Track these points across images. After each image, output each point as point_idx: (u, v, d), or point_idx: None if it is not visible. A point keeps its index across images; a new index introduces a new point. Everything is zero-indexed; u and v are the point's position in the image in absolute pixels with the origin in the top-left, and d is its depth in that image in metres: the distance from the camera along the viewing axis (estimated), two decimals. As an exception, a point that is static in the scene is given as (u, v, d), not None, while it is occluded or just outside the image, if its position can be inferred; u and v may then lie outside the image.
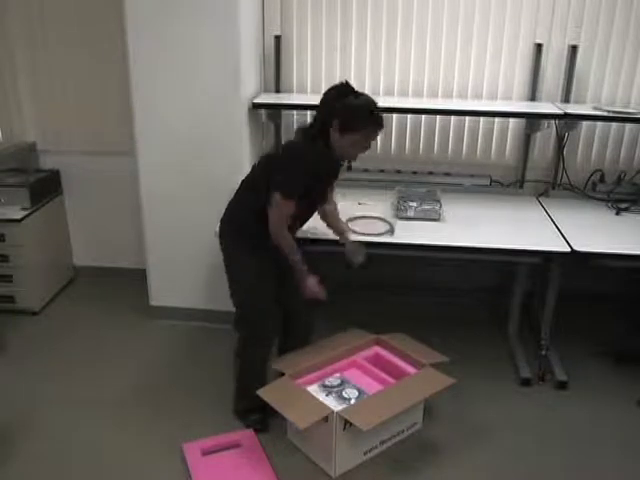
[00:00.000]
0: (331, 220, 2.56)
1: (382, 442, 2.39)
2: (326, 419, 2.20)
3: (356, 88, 3.27)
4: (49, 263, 3.56)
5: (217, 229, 2.45)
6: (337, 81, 3.23)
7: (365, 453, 2.35)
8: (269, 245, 2.30)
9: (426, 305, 3.49)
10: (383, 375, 2.52)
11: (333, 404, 2.30)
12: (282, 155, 2.38)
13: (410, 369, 2.52)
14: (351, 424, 2.17)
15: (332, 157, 2.29)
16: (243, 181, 2.43)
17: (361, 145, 2.26)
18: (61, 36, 3.35)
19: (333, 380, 2.46)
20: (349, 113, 2.19)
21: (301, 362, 2.48)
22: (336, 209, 2.58)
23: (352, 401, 2.34)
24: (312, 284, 2.34)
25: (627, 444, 2.48)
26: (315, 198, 2.39)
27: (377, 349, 2.70)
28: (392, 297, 3.44)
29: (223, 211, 2.44)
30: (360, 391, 2.40)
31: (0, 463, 2.31)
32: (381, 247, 2.66)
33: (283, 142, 2.36)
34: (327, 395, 2.38)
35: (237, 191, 2.43)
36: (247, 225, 2.35)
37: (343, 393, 2.38)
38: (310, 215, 2.46)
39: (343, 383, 2.45)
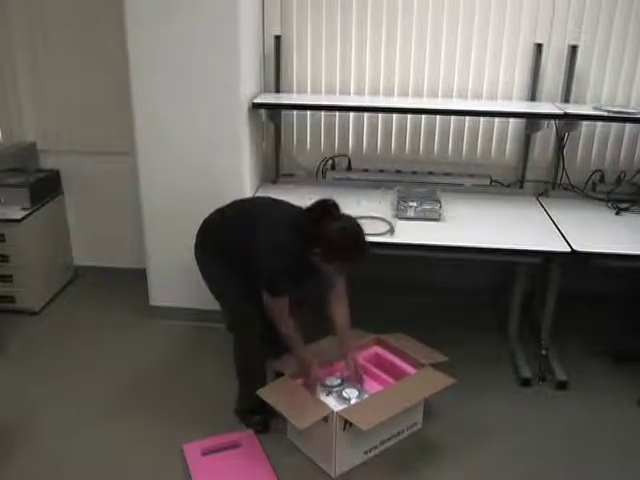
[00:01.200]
0: (337, 320, 2.45)
1: (382, 442, 2.39)
2: (326, 419, 2.20)
3: (357, 88, 3.33)
4: (49, 263, 3.56)
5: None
6: (337, 82, 3.33)
7: (365, 453, 2.35)
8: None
9: (426, 305, 3.48)
10: (383, 375, 2.52)
11: (333, 404, 2.30)
12: (266, 249, 2.21)
13: (410, 369, 2.52)
14: (351, 424, 2.17)
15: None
16: (232, 218, 2.40)
17: (343, 270, 2.22)
18: (61, 36, 3.36)
19: (333, 380, 2.46)
20: (328, 247, 2.11)
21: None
22: (343, 305, 2.45)
23: (352, 401, 2.34)
24: (316, 376, 2.37)
25: (627, 444, 2.48)
26: (307, 283, 2.33)
27: (377, 349, 2.70)
28: (392, 297, 3.44)
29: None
30: (360, 391, 2.40)
31: (0, 463, 2.31)
32: (381, 247, 2.66)
33: (270, 230, 2.27)
34: (327, 395, 2.38)
35: (218, 218, 2.43)
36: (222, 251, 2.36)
37: (343, 393, 2.38)
38: (306, 293, 2.39)
39: (343, 383, 2.45)
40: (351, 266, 2.18)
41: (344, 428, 2.22)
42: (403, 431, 2.46)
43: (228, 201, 2.51)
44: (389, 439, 2.41)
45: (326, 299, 2.44)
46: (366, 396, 2.37)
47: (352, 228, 2.15)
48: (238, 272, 2.34)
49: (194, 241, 2.48)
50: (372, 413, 2.21)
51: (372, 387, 2.46)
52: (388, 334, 2.71)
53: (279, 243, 2.19)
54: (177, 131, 2.97)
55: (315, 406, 2.24)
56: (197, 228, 2.51)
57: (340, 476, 2.27)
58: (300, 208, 2.29)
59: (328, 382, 2.44)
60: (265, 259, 2.20)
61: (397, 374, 2.50)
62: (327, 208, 2.17)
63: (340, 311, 2.45)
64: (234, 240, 2.34)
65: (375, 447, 2.37)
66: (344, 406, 2.28)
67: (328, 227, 2.12)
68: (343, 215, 2.19)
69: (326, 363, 2.53)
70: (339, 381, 2.46)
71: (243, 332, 2.44)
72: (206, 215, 2.50)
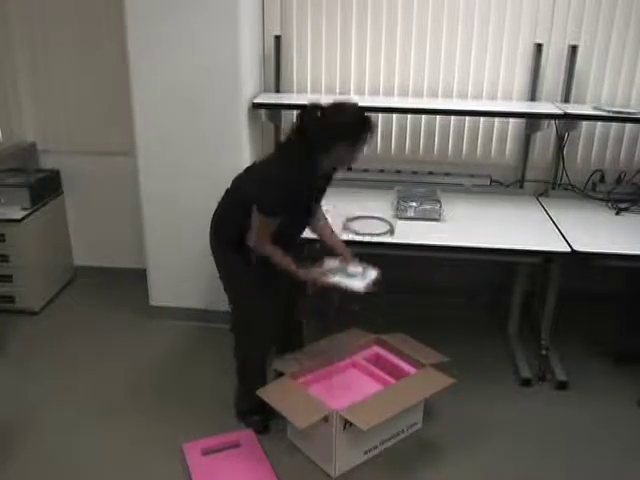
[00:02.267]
0: (326, 237, 2.47)
1: (382, 442, 2.39)
2: (326, 419, 2.20)
3: (357, 88, 3.32)
4: (49, 263, 3.56)
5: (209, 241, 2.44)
6: (337, 82, 3.33)
7: (365, 453, 2.35)
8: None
9: (426, 305, 3.48)
10: (383, 375, 2.52)
11: (344, 282, 2.25)
12: (264, 175, 2.26)
13: (410, 369, 2.52)
14: (351, 424, 2.17)
15: (316, 174, 2.24)
16: (228, 192, 2.39)
17: (356, 153, 2.23)
18: (61, 36, 3.35)
19: (331, 262, 2.36)
20: (342, 124, 2.13)
21: (301, 362, 2.48)
22: (327, 224, 2.50)
23: (358, 276, 2.29)
24: (314, 275, 2.28)
25: (627, 444, 2.48)
26: (301, 215, 2.34)
27: (377, 349, 2.70)
28: (392, 297, 3.44)
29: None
30: (364, 268, 2.33)
31: (0, 463, 2.31)
32: (381, 247, 2.66)
33: (264, 157, 2.29)
34: (334, 276, 2.30)
35: (222, 203, 2.39)
36: (236, 241, 2.30)
37: (348, 271, 2.32)
38: (300, 233, 2.41)
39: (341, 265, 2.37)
40: (364, 143, 2.21)
41: (344, 428, 2.22)
42: (403, 431, 2.46)
43: (214, 212, 2.50)
44: (389, 439, 2.41)
45: (315, 233, 2.47)
46: (371, 272, 2.33)
47: (356, 107, 2.21)
48: (253, 265, 2.32)
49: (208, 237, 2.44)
50: (372, 413, 2.21)
51: (372, 387, 2.46)
52: (388, 334, 2.71)
53: (279, 171, 2.19)
54: (177, 131, 2.97)
55: (315, 406, 2.24)
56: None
57: (340, 476, 2.28)
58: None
59: (326, 266, 2.35)
60: (264, 183, 2.20)
61: (397, 374, 2.50)
62: (316, 106, 2.17)
63: (325, 229, 2.47)
64: (235, 207, 2.30)
65: (375, 447, 2.38)
66: (353, 282, 2.25)
67: (336, 112, 2.14)
68: (329, 103, 2.19)
69: (327, 362, 2.54)
70: (337, 263, 2.37)
71: (255, 332, 2.42)
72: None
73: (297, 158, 2.18)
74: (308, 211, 2.37)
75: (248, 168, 2.41)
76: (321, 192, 2.40)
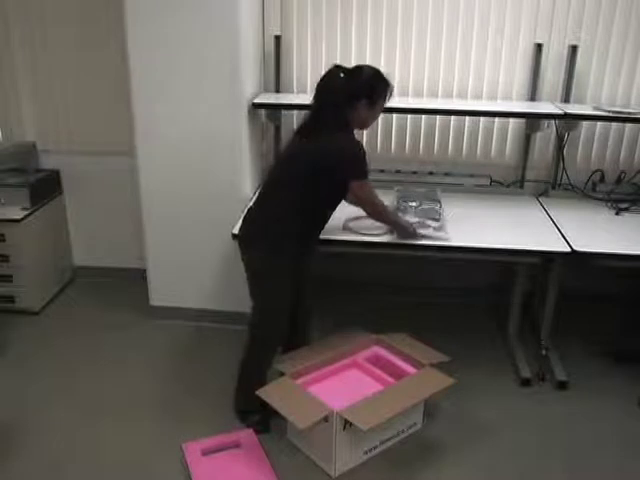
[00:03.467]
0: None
1: (382, 442, 2.39)
2: (326, 419, 2.20)
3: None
4: (49, 263, 3.56)
5: (239, 233, 2.42)
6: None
7: (365, 453, 2.35)
8: (311, 247, 2.40)
9: (426, 305, 3.48)
10: (383, 375, 2.52)
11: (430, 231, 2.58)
12: (345, 151, 2.27)
13: (410, 369, 2.52)
14: (351, 424, 2.17)
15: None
16: (273, 181, 2.39)
17: (381, 110, 2.38)
18: (61, 36, 3.35)
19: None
20: (372, 86, 2.28)
21: (301, 362, 2.48)
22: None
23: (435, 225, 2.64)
24: (411, 229, 2.55)
25: (627, 444, 2.48)
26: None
27: (377, 349, 2.70)
28: (392, 297, 3.44)
29: (246, 215, 2.43)
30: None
31: (0, 463, 2.31)
32: (381, 247, 2.66)
33: (324, 140, 2.27)
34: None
35: (268, 192, 2.38)
36: (292, 227, 2.30)
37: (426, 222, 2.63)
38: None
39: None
40: (387, 98, 2.37)
41: (344, 428, 2.22)
42: (403, 431, 2.46)
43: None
44: (389, 439, 2.41)
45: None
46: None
47: (372, 66, 2.36)
48: (284, 263, 2.32)
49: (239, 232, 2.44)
50: (372, 413, 2.21)
51: (372, 387, 2.46)
52: (388, 334, 2.71)
53: (352, 142, 2.28)
54: (177, 131, 2.97)
55: (315, 406, 2.24)
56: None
57: (340, 476, 2.28)
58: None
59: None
60: (351, 157, 2.27)
61: (397, 374, 2.50)
62: (343, 70, 2.29)
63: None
64: (298, 194, 2.30)
65: (375, 447, 2.38)
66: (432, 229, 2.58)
67: (359, 76, 2.29)
68: (343, 66, 2.31)
69: (330, 358, 2.54)
70: (416, 219, 2.67)
71: (271, 333, 2.44)
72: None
73: (341, 125, 2.27)
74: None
75: (290, 155, 2.40)
76: None
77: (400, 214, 2.75)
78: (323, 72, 2.32)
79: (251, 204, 2.48)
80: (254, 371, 2.48)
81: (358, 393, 2.36)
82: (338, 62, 2.34)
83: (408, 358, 2.56)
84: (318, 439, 2.28)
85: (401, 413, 2.29)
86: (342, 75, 2.27)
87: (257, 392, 2.31)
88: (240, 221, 2.48)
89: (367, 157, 2.28)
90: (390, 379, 2.48)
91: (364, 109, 2.29)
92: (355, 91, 2.25)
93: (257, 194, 2.46)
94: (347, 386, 2.48)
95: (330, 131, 2.25)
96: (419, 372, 2.47)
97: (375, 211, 2.44)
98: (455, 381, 2.39)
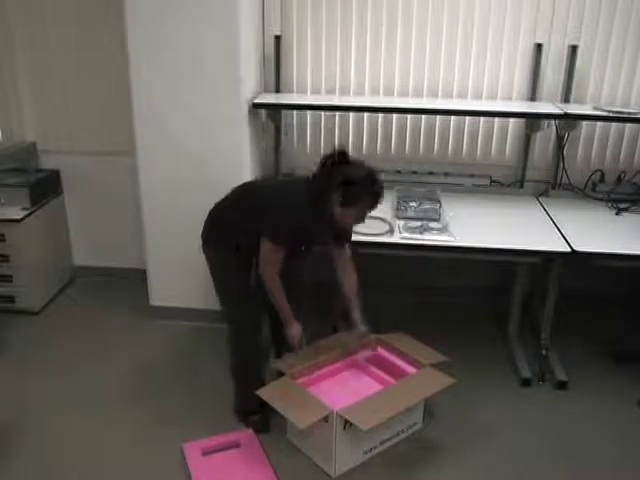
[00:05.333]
0: (340, 276, 2.50)
1: (382, 442, 2.39)
2: (326, 419, 2.20)
3: (357, 88, 3.32)
4: (49, 263, 3.56)
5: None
6: (337, 82, 3.33)
7: (365, 453, 2.35)
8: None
9: (426, 305, 3.48)
10: (383, 375, 2.52)
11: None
12: (279, 205, 2.26)
13: (410, 369, 2.52)
14: (351, 424, 2.17)
15: (329, 222, 2.25)
16: (237, 196, 2.43)
17: (360, 217, 2.25)
18: (61, 36, 3.35)
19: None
20: (348, 188, 2.15)
21: (301, 362, 2.48)
22: (347, 264, 2.49)
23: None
24: (294, 333, 2.40)
25: (627, 444, 2.48)
26: (305, 247, 2.41)
27: (377, 349, 2.69)
28: (392, 297, 3.44)
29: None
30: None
31: (0, 463, 2.31)
32: (381, 247, 2.66)
33: (284, 186, 2.40)
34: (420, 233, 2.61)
35: (229, 204, 2.43)
36: (232, 245, 2.37)
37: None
38: (299, 256, 2.44)
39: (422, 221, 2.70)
40: (368, 209, 2.22)
41: (344, 428, 2.22)
42: (403, 431, 2.46)
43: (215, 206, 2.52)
44: (389, 439, 2.41)
45: (334, 266, 2.49)
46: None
47: (368, 170, 2.21)
48: (244, 260, 2.36)
49: (201, 231, 2.48)
50: (372, 413, 2.20)
51: (372, 387, 2.46)
52: (388, 334, 2.71)
53: (294, 206, 2.22)
54: (177, 131, 2.97)
55: (315, 406, 2.24)
56: (197, 228, 2.51)
57: (340, 476, 2.28)
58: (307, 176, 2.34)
59: (410, 225, 2.73)
60: (274, 214, 2.23)
61: (397, 374, 2.50)
62: (340, 156, 2.21)
63: (349, 284, 2.49)
64: (242, 217, 2.35)
65: (375, 447, 2.38)
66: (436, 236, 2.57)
67: (345, 171, 2.18)
68: (357, 161, 2.25)
69: (330, 357, 2.55)
70: (419, 223, 2.70)
71: (243, 326, 2.44)
72: (206, 214, 2.50)
73: (313, 198, 2.21)
74: (310, 248, 2.43)
75: (264, 181, 2.45)
76: (339, 235, 2.40)
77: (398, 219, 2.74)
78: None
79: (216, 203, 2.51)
80: (243, 367, 2.50)
81: (358, 393, 2.37)
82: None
83: (408, 358, 2.56)
84: (318, 439, 2.28)
85: (401, 413, 2.29)
86: (330, 161, 2.21)
87: (257, 392, 2.31)
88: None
89: (295, 234, 2.22)
90: (390, 379, 2.48)
91: (336, 206, 2.18)
92: (330, 184, 2.17)
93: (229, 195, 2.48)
94: (347, 386, 2.47)
95: (300, 190, 2.25)
96: (419, 372, 2.47)
97: (264, 273, 2.29)
98: (455, 381, 2.39)
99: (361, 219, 2.26)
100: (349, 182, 2.15)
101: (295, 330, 2.40)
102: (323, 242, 2.41)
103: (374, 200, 2.19)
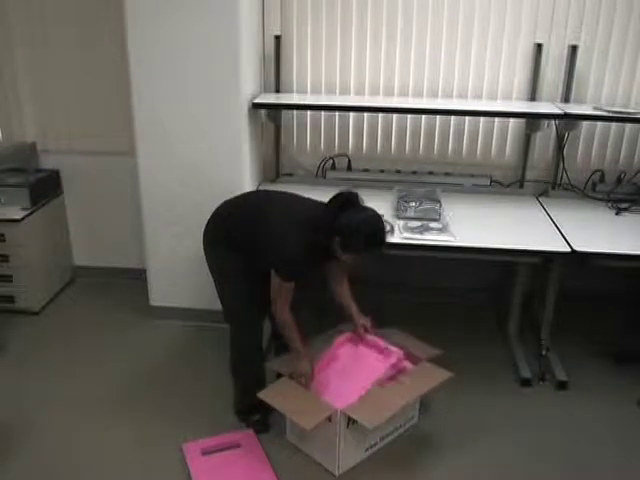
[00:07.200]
0: (341, 299, 2.52)
1: (382, 438, 2.40)
2: (329, 418, 2.20)
3: (357, 88, 3.32)
4: (49, 263, 3.56)
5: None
6: (337, 82, 3.33)
7: (367, 450, 2.36)
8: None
9: (426, 305, 3.48)
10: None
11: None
12: (281, 243, 2.21)
13: (407, 364, 2.51)
14: (354, 422, 2.17)
15: (330, 255, 2.23)
16: (246, 209, 2.43)
17: (360, 260, 2.22)
18: (61, 36, 3.35)
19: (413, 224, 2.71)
20: (348, 236, 2.13)
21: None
22: (345, 288, 2.52)
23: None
24: (303, 369, 2.32)
25: (627, 444, 2.48)
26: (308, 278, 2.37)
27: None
28: (392, 296, 3.44)
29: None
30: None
31: (0, 463, 2.31)
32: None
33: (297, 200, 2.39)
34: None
35: (235, 210, 2.44)
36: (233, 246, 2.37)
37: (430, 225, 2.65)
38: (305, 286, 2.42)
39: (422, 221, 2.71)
40: (367, 256, 2.19)
41: (347, 426, 2.22)
42: (401, 425, 2.47)
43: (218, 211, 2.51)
44: (388, 435, 2.42)
45: (328, 284, 2.51)
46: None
47: (372, 222, 2.17)
48: (244, 261, 2.35)
49: (203, 229, 2.48)
50: (375, 410, 2.21)
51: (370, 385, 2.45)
52: (382, 329, 2.70)
53: (292, 236, 2.19)
54: (177, 131, 2.97)
55: (317, 406, 2.24)
56: (197, 227, 2.51)
57: (343, 474, 2.28)
58: (321, 203, 2.31)
59: (410, 225, 2.73)
60: (279, 250, 2.21)
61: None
62: (349, 199, 2.19)
63: (343, 292, 2.51)
64: (245, 231, 2.34)
65: (376, 443, 2.38)
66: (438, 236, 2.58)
67: (348, 218, 2.13)
68: (365, 207, 2.20)
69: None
70: (419, 223, 2.70)
71: (243, 325, 2.44)
72: (206, 214, 2.50)
73: (317, 231, 2.18)
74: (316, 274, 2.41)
75: (278, 200, 2.41)
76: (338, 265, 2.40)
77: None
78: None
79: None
80: (243, 367, 2.49)
81: (353, 374, 2.36)
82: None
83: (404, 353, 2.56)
84: (320, 438, 2.28)
85: (404, 408, 2.29)
86: (338, 203, 2.17)
87: (259, 395, 2.31)
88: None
89: (300, 266, 2.20)
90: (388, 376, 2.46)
91: (338, 245, 2.16)
92: (333, 226, 2.14)
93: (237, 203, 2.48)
94: (343, 371, 2.44)
95: (308, 224, 2.21)
96: (416, 367, 2.47)
97: (275, 305, 2.28)
98: (452, 374, 2.40)
99: (361, 260, 2.24)
100: (348, 229, 2.12)
101: (304, 367, 2.33)
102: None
103: (373, 249, 2.17)
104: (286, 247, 2.19)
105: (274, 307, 2.28)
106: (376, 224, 2.17)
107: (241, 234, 2.34)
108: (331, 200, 2.22)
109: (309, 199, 2.40)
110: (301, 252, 2.17)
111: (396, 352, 2.45)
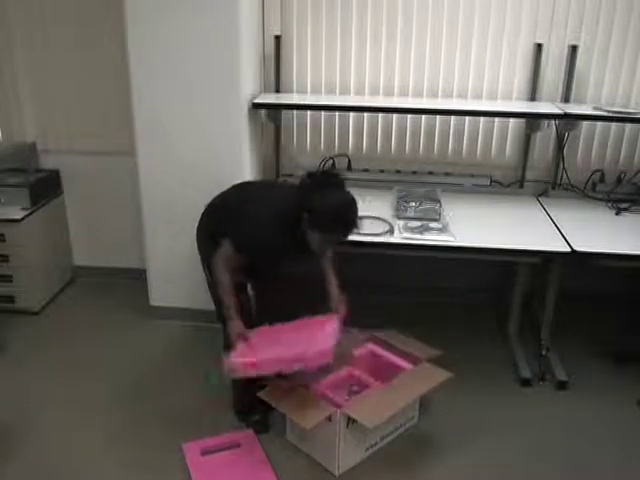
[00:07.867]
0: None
1: (382, 438, 2.40)
2: (329, 417, 2.20)
3: (357, 88, 3.32)
4: (49, 263, 3.55)
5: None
6: (337, 82, 3.33)
7: (367, 449, 2.36)
8: None
9: (426, 305, 3.48)
10: (380, 372, 2.51)
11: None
12: (250, 216, 2.23)
13: (406, 365, 2.52)
14: (354, 421, 2.17)
15: (300, 242, 2.19)
16: (225, 197, 2.45)
17: (327, 243, 2.21)
18: (61, 36, 3.35)
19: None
20: (317, 212, 2.10)
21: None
22: (329, 274, 2.46)
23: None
24: (234, 330, 2.27)
25: (627, 444, 2.48)
26: (273, 262, 2.35)
27: (372, 347, 2.69)
28: (392, 297, 3.44)
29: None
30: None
31: (0, 463, 2.31)
32: (381, 247, 2.66)
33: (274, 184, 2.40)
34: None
35: (216, 200, 2.46)
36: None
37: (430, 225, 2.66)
38: (272, 269, 2.43)
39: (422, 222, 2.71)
40: (334, 239, 2.18)
41: (347, 426, 2.22)
42: (401, 425, 2.47)
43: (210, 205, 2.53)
44: (388, 434, 2.42)
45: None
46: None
47: (343, 202, 2.13)
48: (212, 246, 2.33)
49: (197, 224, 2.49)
50: (375, 410, 2.21)
51: (369, 384, 2.45)
52: (382, 331, 2.71)
53: (263, 223, 2.18)
54: (177, 131, 2.97)
55: (318, 405, 2.24)
56: (197, 228, 2.51)
57: (343, 474, 2.28)
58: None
59: (410, 225, 2.73)
60: (246, 228, 2.21)
61: (394, 370, 2.50)
62: (328, 179, 2.16)
63: (328, 279, 2.46)
64: (225, 216, 2.34)
65: (376, 443, 2.38)
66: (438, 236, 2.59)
67: (321, 197, 2.10)
68: (343, 190, 2.16)
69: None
70: (419, 223, 2.70)
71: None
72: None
73: (286, 216, 2.16)
74: (279, 261, 2.37)
75: (258, 187, 2.44)
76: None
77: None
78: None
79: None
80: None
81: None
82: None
83: (403, 354, 2.56)
84: (320, 438, 2.28)
85: (405, 408, 2.29)
86: (313, 181, 2.15)
87: (259, 395, 2.31)
88: None
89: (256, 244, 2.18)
90: (387, 375, 2.44)
91: (306, 221, 2.12)
92: (303, 202, 2.12)
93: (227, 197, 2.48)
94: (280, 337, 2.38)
95: (280, 208, 2.20)
96: (416, 367, 2.47)
97: (214, 263, 2.28)
98: (452, 374, 2.39)
99: (330, 245, 2.23)
100: (317, 206, 2.10)
101: (237, 327, 2.28)
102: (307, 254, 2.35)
103: (341, 231, 2.14)
104: (253, 223, 2.19)
105: (214, 267, 2.26)
106: (348, 205, 2.14)
107: (223, 219, 2.34)
108: (306, 179, 2.19)
109: (291, 184, 2.38)
110: (267, 230, 2.15)
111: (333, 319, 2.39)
